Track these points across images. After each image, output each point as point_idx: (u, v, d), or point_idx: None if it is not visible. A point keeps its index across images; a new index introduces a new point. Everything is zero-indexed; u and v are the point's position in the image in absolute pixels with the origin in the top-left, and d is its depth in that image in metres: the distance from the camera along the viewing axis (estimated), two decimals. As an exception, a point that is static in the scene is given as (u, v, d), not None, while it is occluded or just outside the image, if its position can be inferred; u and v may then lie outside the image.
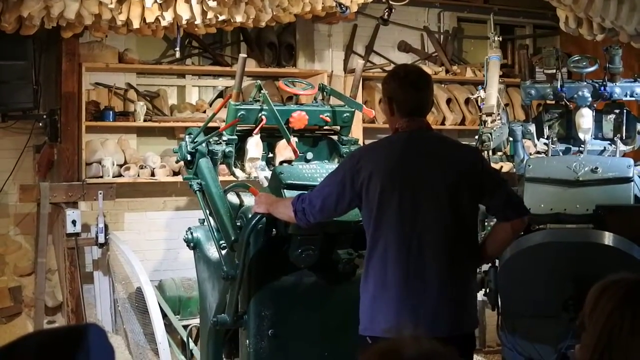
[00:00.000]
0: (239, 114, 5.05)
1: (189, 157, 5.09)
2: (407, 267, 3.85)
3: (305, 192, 4.25)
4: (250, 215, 4.65)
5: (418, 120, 4.02)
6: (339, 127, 5.46)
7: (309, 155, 5.31)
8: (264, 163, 5.29)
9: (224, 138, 5.12)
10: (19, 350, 1.90)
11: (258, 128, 5.11)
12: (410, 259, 3.85)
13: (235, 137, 5.15)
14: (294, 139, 5.16)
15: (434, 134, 4.21)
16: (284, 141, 5.18)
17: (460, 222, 3.94)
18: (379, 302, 3.90)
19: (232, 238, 4.64)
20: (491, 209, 4.12)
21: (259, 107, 5.11)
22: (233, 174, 5.23)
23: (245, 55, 5.10)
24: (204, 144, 5.04)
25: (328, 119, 5.32)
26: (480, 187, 3.97)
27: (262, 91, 5.14)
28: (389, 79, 4.10)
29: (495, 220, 5.18)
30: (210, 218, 4.98)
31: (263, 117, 5.09)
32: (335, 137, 5.49)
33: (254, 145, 5.17)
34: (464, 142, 4.42)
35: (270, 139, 5.32)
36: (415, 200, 3.88)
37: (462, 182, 3.93)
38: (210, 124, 5.34)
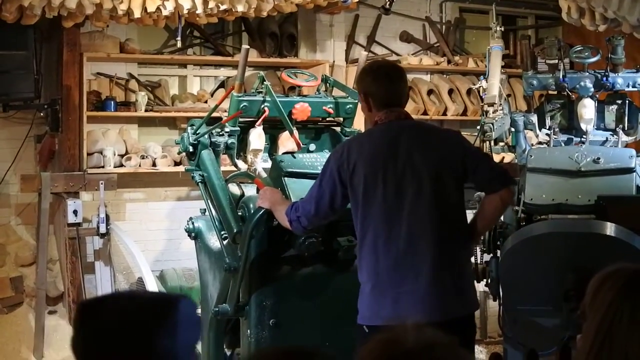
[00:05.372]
0: (241, 106, 5.04)
1: (191, 149, 5.08)
2: (397, 255, 3.89)
3: (305, 179, 4.25)
4: (251, 206, 4.65)
5: (396, 111, 4.06)
6: (341, 119, 5.46)
7: (312, 147, 5.31)
8: (266, 155, 5.29)
9: (227, 130, 5.11)
10: (106, 307, 1.92)
11: (261, 120, 5.11)
12: (400, 246, 3.89)
13: (238, 128, 5.15)
14: (296, 131, 5.15)
15: (413, 121, 4.24)
16: (286, 133, 5.18)
17: (446, 205, 3.97)
18: (374, 291, 3.94)
19: (235, 230, 4.64)
20: (478, 185, 4.15)
21: (262, 99, 5.10)
22: (235, 165, 5.23)
23: (248, 47, 5.09)
24: (206, 136, 5.04)
25: (331, 110, 5.32)
26: (463, 166, 4.00)
27: (264, 83, 5.13)
28: (363, 75, 4.17)
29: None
30: (212, 208, 4.98)
31: (266, 108, 5.09)
32: (338, 129, 5.49)
33: (257, 137, 5.17)
34: (445, 127, 4.44)
35: (273, 130, 5.31)
36: (400, 187, 3.91)
37: (444, 165, 3.97)
38: (213, 115, 5.33)
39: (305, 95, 5.54)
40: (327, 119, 5.45)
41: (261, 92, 5.15)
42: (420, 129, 4.17)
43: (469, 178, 4.06)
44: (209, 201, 5.01)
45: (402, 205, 3.91)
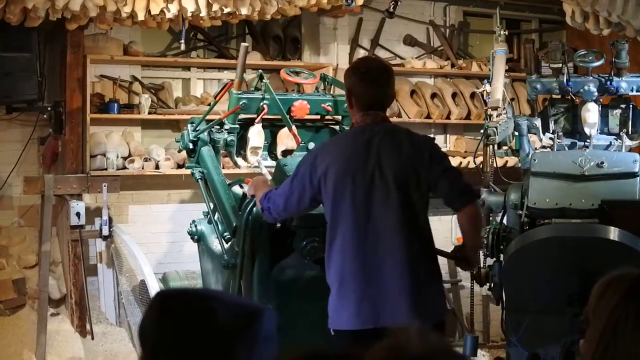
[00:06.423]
0: (240, 103, 5.06)
1: (191, 146, 5.11)
2: (364, 259, 3.92)
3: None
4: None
5: (373, 114, 4.07)
6: (340, 117, 5.47)
7: (311, 145, 5.32)
8: (265, 153, 5.31)
9: (226, 127, 5.14)
10: (193, 304, 1.88)
11: (260, 117, 5.13)
12: (367, 250, 3.93)
13: (237, 125, 5.16)
14: (295, 128, 5.17)
15: (388, 126, 4.19)
16: (285, 130, 5.20)
17: (412, 211, 3.99)
18: (339, 293, 3.97)
19: (234, 224, 4.66)
20: (444, 200, 4.12)
21: (261, 96, 5.12)
22: (235, 163, 5.25)
23: (247, 45, 5.12)
24: (205, 133, 5.06)
25: (330, 108, 5.34)
26: (427, 175, 4.00)
27: (263, 80, 5.15)
28: (350, 73, 4.18)
29: (499, 215, 5.21)
30: (212, 209, 5.00)
31: (265, 106, 5.11)
32: (337, 127, 5.50)
33: (256, 134, 5.18)
34: (420, 133, 4.38)
35: (272, 128, 5.34)
36: (368, 192, 3.94)
37: (411, 172, 3.98)
38: (212, 116, 5.35)
39: (304, 93, 5.57)
40: (326, 117, 5.47)
41: (260, 89, 5.17)
42: (393, 134, 4.13)
43: (432, 190, 4.08)
44: (208, 199, 5.03)
45: (369, 209, 3.95)
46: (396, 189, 3.94)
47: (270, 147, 5.37)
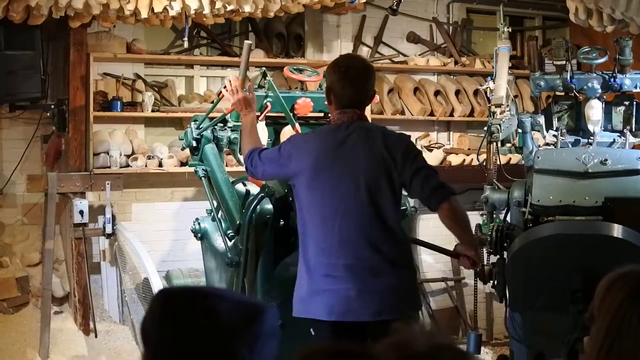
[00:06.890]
0: None
1: (194, 144, 5.11)
2: (331, 256, 3.97)
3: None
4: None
5: (350, 112, 4.13)
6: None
7: None
8: None
9: (229, 124, 5.14)
10: (196, 302, 1.88)
11: (263, 114, 5.13)
12: (334, 248, 3.97)
13: (241, 123, 5.16)
14: (298, 125, 5.17)
15: (364, 124, 4.22)
16: (289, 127, 5.20)
17: (381, 211, 4.01)
18: (303, 284, 4.05)
19: (238, 222, 4.67)
20: (421, 201, 4.13)
21: (264, 94, 5.12)
22: (239, 161, 5.25)
23: (250, 42, 5.11)
24: (209, 130, 5.06)
25: None
26: (399, 174, 4.03)
27: (267, 78, 5.15)
28: (330, 70, 4.22)
29: (503, 212, 5.20)
30: (215, 206, 4.99)
31: (268, 103, 5.11)
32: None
33: (260, 132, 5.18)
34: (398, 132, 4.41)
35: (276, 125, 5.34)
36: (338, 190, 4.00)
37: (382, 171, 4.02)
38: (215, 114, 5.34)
39: (307, 91, 5.57)
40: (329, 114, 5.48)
41: (263, 87, 5.17)
42: (368, 132, 4.16)
43: (406, 190, 4.13)
44: (212, 198, 5.02)
45: (338, 209, 3.99)
46: (365, 187, 3.99)
47: (274, 145, 5.37)
